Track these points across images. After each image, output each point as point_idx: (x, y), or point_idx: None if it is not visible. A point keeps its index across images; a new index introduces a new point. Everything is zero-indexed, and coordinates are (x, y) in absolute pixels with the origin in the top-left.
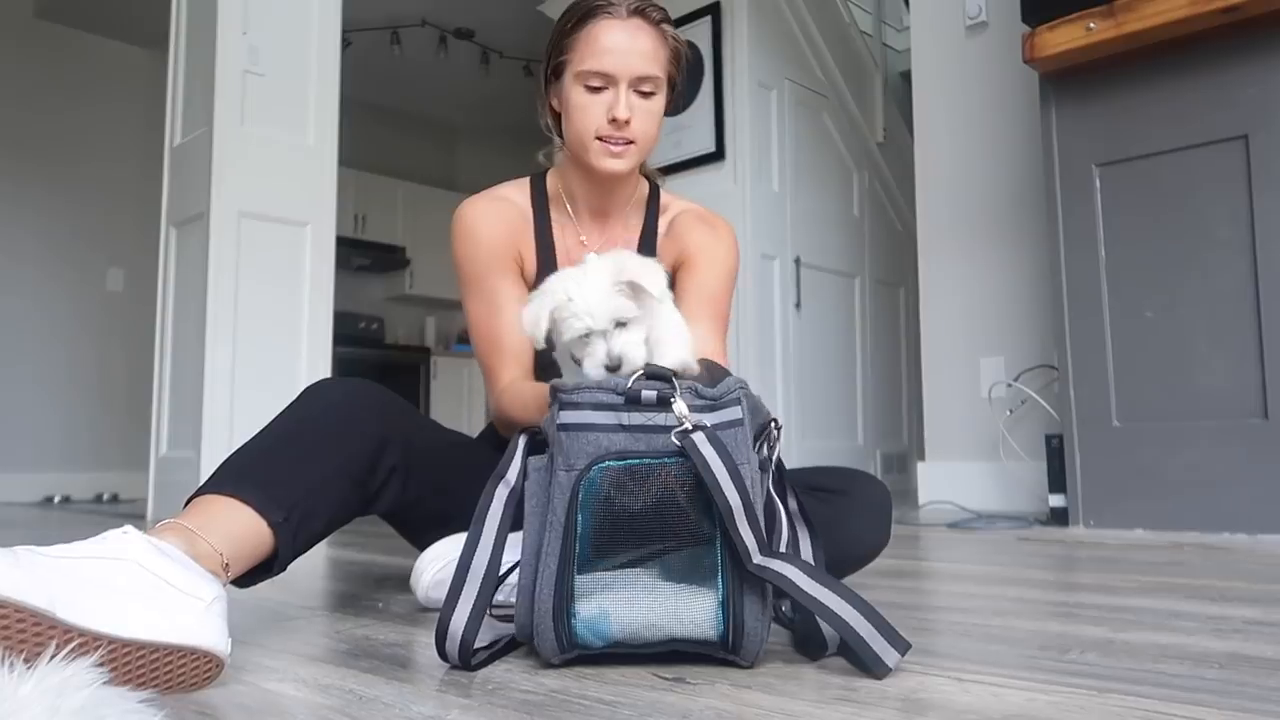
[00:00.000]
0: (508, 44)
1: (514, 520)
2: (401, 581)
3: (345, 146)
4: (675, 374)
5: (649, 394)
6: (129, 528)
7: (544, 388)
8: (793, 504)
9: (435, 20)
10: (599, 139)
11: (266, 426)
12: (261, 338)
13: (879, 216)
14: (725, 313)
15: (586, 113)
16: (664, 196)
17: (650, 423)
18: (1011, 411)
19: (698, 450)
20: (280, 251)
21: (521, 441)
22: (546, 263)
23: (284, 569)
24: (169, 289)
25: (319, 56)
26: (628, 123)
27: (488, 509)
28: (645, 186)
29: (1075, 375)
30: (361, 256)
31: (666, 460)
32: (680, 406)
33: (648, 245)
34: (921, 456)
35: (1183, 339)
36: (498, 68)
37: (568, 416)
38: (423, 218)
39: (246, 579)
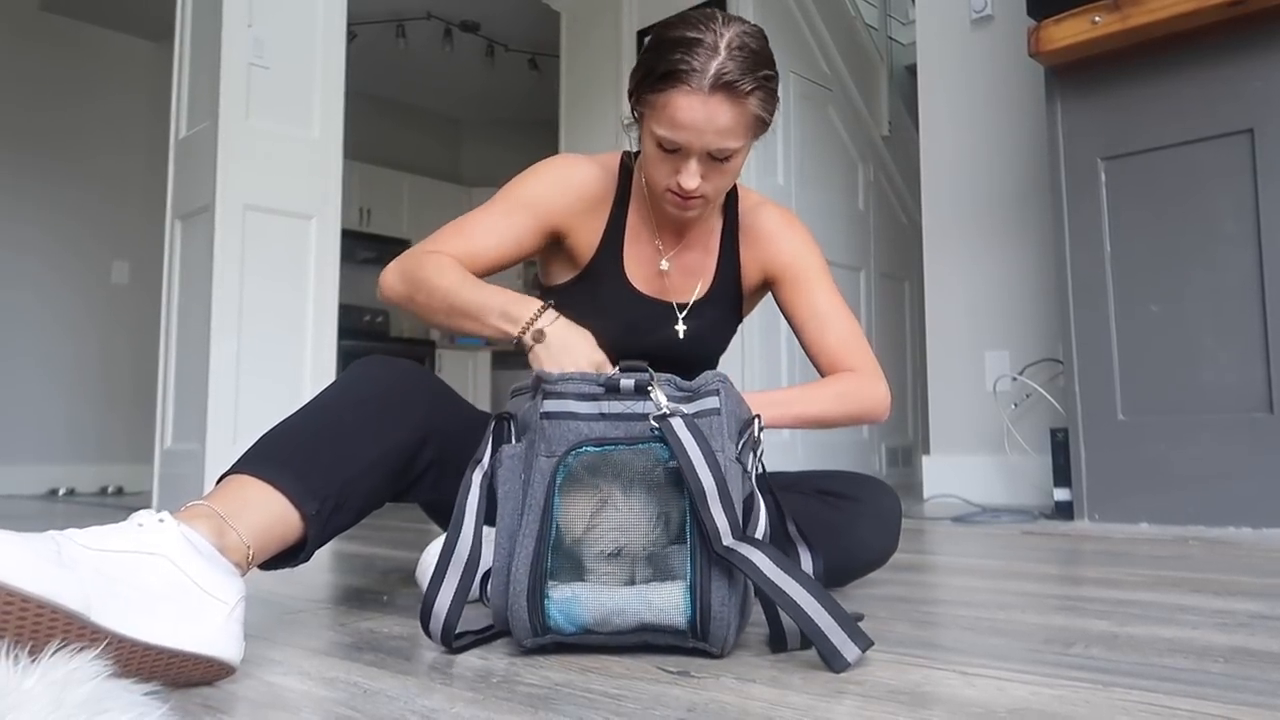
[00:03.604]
0: (513, 37)
1: (490, 509)
2: (407, 575)
3: (350, 140)
4: (651, 365)
5: (627, 383)
6: (165, 514)
7: (467, 281)
8: (792, 529)
9: (440, 13)
10: (669, 191)
11: (310, 404)
12: (266, 331)
13: (884, 210)
14: (848, 307)
15: (658, 167)
16: (741, 191)
17: (628, 411)
18: (1016, 405)
19: (674, 433)
20: (285, 245)
21: (491, 427)
22: (609, 257)
23: (309, 559)
24: (174, 282)
25: (324, 49)
26: (696, 187)
27: (468, 493)
28: None
29: (1080, 369)
30: (366, 250)
31: (642, 446)
32: (658, 394)
33: (729, 249)
34: (926, 450)
35: (1188, 333)
36: (503, 61)
37: (551, 405)
38: (427, 211)
39: (268, 564)
